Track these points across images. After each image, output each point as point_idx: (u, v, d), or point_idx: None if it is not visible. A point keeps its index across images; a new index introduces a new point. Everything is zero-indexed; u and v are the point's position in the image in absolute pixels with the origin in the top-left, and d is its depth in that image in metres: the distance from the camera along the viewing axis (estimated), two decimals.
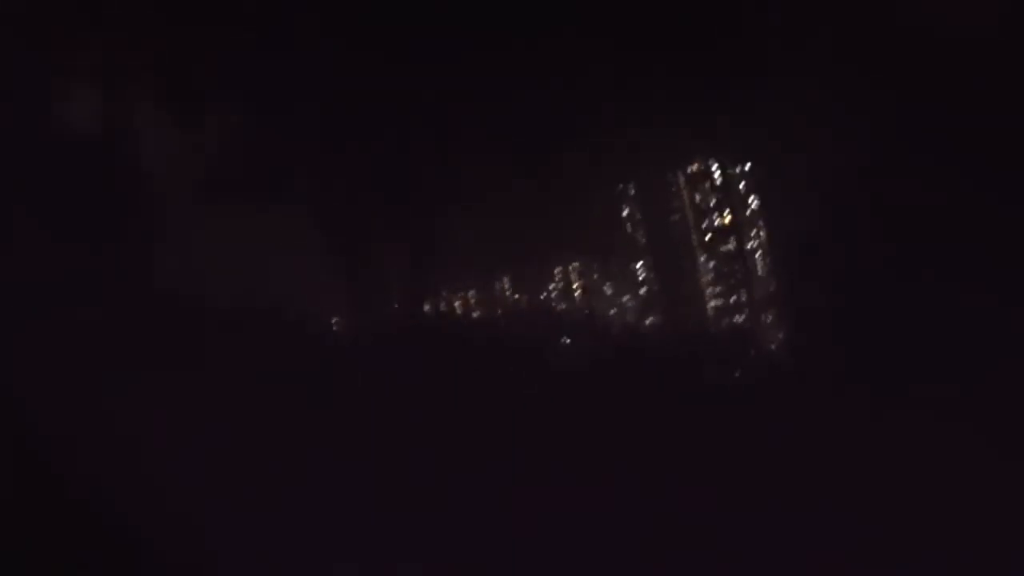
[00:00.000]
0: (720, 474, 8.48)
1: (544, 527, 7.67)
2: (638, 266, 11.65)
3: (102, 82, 8.84)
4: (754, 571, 7.62)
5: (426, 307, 11.19)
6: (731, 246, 11.31)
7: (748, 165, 11.24)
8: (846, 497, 7.81)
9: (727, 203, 11.32)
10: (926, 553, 7.39)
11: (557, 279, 11.76)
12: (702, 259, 11.42)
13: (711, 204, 11.37)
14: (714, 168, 11.38)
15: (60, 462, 6.61)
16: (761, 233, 11.22)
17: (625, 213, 11.68)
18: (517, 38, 10.25)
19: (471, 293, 11.45)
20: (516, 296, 11.67)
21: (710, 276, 11.36)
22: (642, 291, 11.62)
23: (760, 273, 11.18)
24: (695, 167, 11.47)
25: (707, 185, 11.40)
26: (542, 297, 11.66)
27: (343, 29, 9.06)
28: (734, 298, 11.21)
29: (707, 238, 11.40)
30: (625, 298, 11.70)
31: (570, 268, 11.80)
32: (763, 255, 11.20)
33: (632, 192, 11.69)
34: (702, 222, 11.42)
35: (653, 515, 7.92)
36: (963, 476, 7.58)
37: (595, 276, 11.81)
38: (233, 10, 8.86)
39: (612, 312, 11.62)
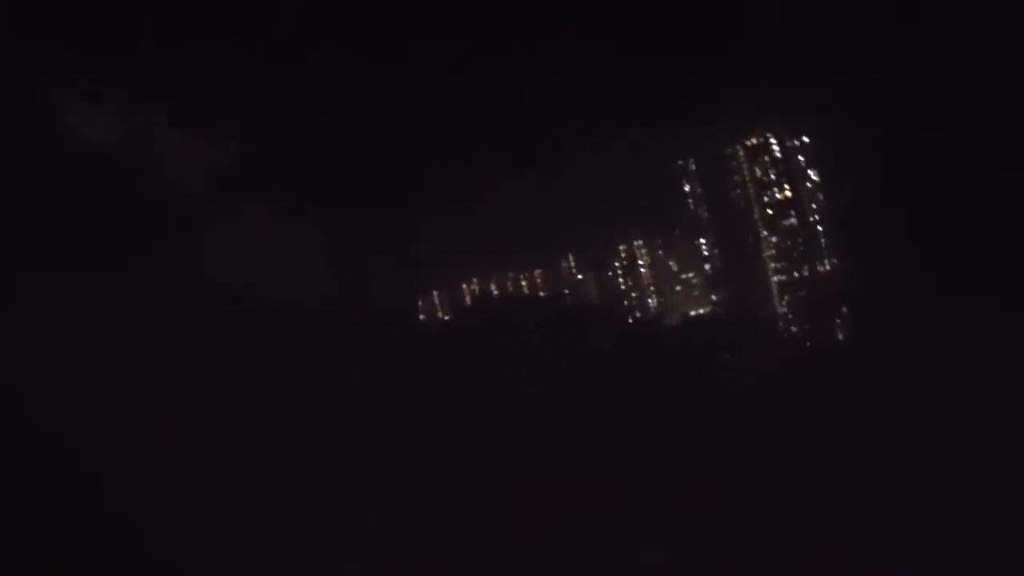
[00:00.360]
0: (755, 462, 8.42)
1: (551, 525, 7.71)
2: (700, 243, 11.63)
3: (103, 89, 9.11)
4: (754, 571, 7.57)
5: (460, 296, 11.60)
6: (792, 220, 11.09)
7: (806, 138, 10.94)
8: (847, 497, 7.69)
9: (786, 177, 11.09)
10: (926, 553, 7.23)
11: (620, 258, 11.92)
12: (763, 234, 11.26)
13: (771, 177, 11.15)
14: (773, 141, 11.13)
15: (60, 462, 6.67)
16: (819, 207, 10.95)
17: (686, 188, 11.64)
18: (578, 18, 10.30)
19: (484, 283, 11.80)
20: (577, 278, 11.92)
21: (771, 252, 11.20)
22: (706, 267, 11.63)
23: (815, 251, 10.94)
24: (754, 140, 11.25)
25: (766, 159, 11.17)
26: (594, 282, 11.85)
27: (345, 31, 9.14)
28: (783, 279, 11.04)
29: (768, 212, 11.21)
30: (688, 275, 11.73)
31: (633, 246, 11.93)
32: (822, 230, 10.95)
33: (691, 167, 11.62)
34: (762, 196, 11.24)
35: (667, 513, 7.92)
36: (964, 476, 7.36)
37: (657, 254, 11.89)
38: (235, 17, 9.02)
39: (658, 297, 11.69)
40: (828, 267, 10.90)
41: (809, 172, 10.94)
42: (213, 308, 8.30)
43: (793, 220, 11.05)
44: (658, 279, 11.80)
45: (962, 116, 9.22)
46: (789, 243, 11.08)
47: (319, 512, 7.35)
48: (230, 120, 9.41)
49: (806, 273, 10.96)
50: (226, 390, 7.67)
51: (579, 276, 11.96)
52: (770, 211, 11.16)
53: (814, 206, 10.98)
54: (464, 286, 11.93)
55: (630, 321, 11.72)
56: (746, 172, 11.25)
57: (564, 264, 12.03)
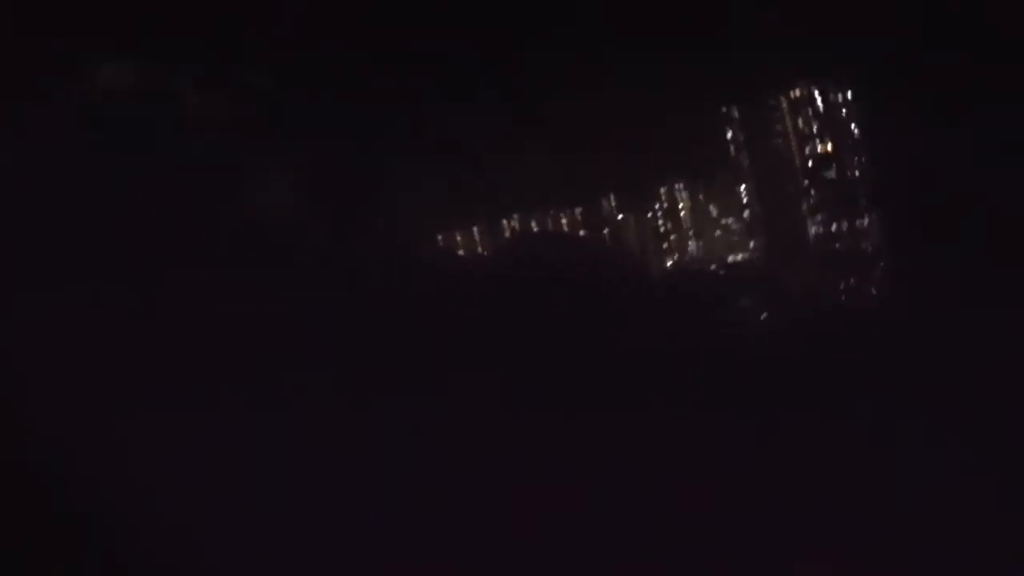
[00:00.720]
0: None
1: (557, 522, 7.58)
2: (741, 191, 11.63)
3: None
4: (754, 571, 7.58)
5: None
6: (832, 173, 11.01)
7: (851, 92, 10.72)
8: (847, 497, 7.83)
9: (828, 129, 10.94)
10: (926, 553, 7.43)
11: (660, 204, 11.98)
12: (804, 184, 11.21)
13: (813, 129, 11.01)
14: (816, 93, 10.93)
15: (60, 462, 6.53)
16: (861, 160, 10.84)
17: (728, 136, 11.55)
18: None
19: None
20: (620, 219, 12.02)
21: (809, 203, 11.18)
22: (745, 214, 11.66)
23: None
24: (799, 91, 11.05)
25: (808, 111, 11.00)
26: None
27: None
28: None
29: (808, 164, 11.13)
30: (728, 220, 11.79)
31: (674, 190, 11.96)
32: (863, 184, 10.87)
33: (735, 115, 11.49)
34: (803, 147, 11.13)
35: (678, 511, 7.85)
36: (964, 476, 7.51)
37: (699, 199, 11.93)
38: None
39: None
40: (867, 222, 10.86)
41: (852, 126, 10.76)
42: (214, 306, 7.97)
43: (834, 173, 10.95)
44: (697, 223, 11.86)
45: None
46: (829, 195, 11.02)
47: (322, 511, 7.33)
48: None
49: (844, 227, 10.94)
50: (227, 387, 7.58)
51: (619, 216, 12.04)
52: (811, 163, 11.06)
53: (856, 159, 10.85)
54: (504, 221, 12.09)
55: (668, 264, 11.87)
56: (789, 122, 11.09)
57: (605, 203, 12.09)
